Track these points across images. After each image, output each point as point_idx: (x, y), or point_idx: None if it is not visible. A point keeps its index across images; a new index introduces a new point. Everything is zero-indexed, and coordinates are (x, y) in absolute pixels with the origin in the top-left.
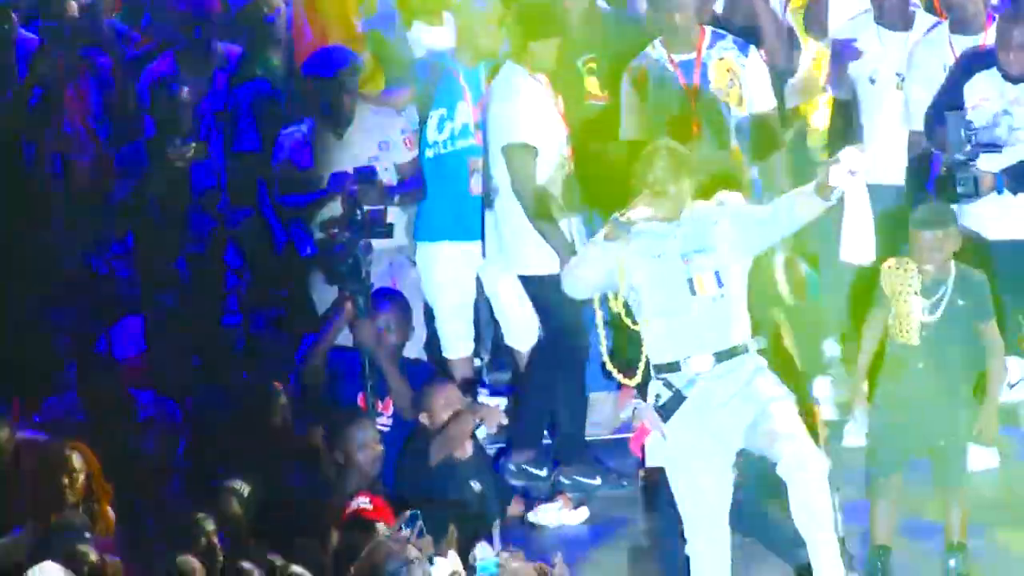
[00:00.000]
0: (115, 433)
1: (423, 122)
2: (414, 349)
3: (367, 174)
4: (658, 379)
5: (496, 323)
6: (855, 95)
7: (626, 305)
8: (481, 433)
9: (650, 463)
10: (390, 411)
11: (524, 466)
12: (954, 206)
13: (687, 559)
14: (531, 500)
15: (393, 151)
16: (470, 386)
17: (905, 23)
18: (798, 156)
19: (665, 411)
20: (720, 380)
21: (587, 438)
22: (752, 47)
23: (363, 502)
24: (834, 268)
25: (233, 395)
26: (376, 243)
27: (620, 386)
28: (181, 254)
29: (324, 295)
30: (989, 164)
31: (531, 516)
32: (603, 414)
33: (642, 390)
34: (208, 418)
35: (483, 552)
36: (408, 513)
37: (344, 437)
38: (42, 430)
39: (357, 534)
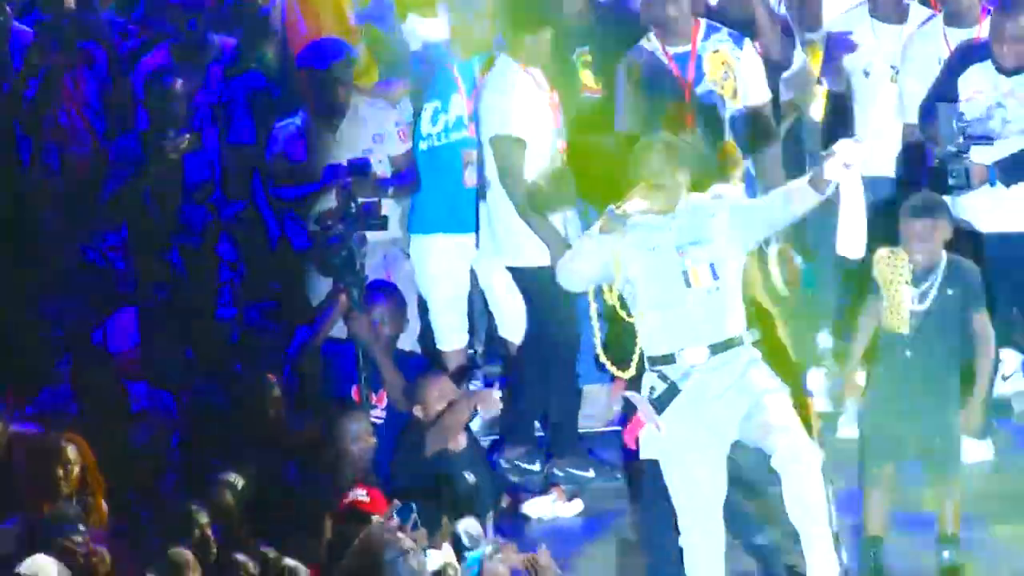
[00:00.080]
0: (108, 426)
1: (417, 114)
2: (408, 341)
3: (361, 166)
4: (653, 371)
5: (490, 315)
6: (849, 88)
7: (621, 298)
8: (475, 425)
9: (644, 455)
10: (384, 403)
11: (517, 462)
12: (947, 198)
13: (680, 551)
14: (525, 493)
15: (387, 143)
16: (464, 378)
17: (900, 16)
18: (792, 148)
19: (660, 403)
20: (715, 372)
21: (580, 430)
22: (747, 40)
23: (360, 494)
24: (828, 260)
25: (227, 388)
26: (370, 235)
27: (614, 378)
28: (174, 246)
29: (318, 288)
30: (982, 156)
31: (525, 509)
32: (597, 406)
33: (636, 382)
34: (202, 411)
35: (468, 526)
36: (398, 503)
37: (338, 429)
38: (35, 422)
39: (353, 526)
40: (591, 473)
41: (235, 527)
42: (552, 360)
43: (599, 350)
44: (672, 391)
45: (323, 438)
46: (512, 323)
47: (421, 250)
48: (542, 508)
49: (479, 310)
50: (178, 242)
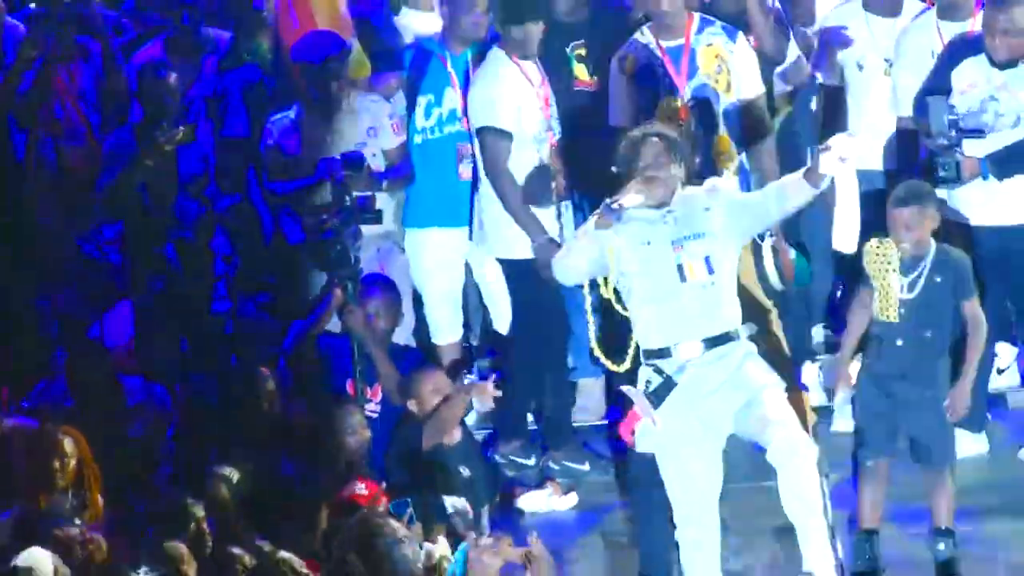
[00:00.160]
0: (104, 419)
1: (411, 108)
2: (403, 335)
3: (355, 160)
4: (648, 365)
5: (485, 308)
6: (843, 81)
7: (616, 291)
8: (470, 419)
9: (640, 449)
10: (379, 397)
11: (512, 456)
12: (941, 191)
13: (676, 544)
14: (520, 487)
15: (381, 137)
16: (459, 372)
17: (893, 9)
18: (786, 142)
19: (656, 397)
20: (710, 366)
21: (575, 424)
22: (740, 33)
23: (359, 488)
24: (822, 254)
25: (222, 381)
26: (365, 229)
27: (608, 372)
28: (169, 240)
29: (313, 281)
30: (974, 149)
31: (520, 502)
32: (591, 400)
33: (631, 376)
34: (197, 405)
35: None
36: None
37: (332, 423)
38: (31, 416)
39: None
40: (586, 466)
41: (231, 521)
42: (542, 353)
43: (594, 344)
44: (668, 385)
45: (318, 431)
46: (506, 316)
47: (416, 244)
48: (537, 502)
49: (474, 304)
50: (172, 236)
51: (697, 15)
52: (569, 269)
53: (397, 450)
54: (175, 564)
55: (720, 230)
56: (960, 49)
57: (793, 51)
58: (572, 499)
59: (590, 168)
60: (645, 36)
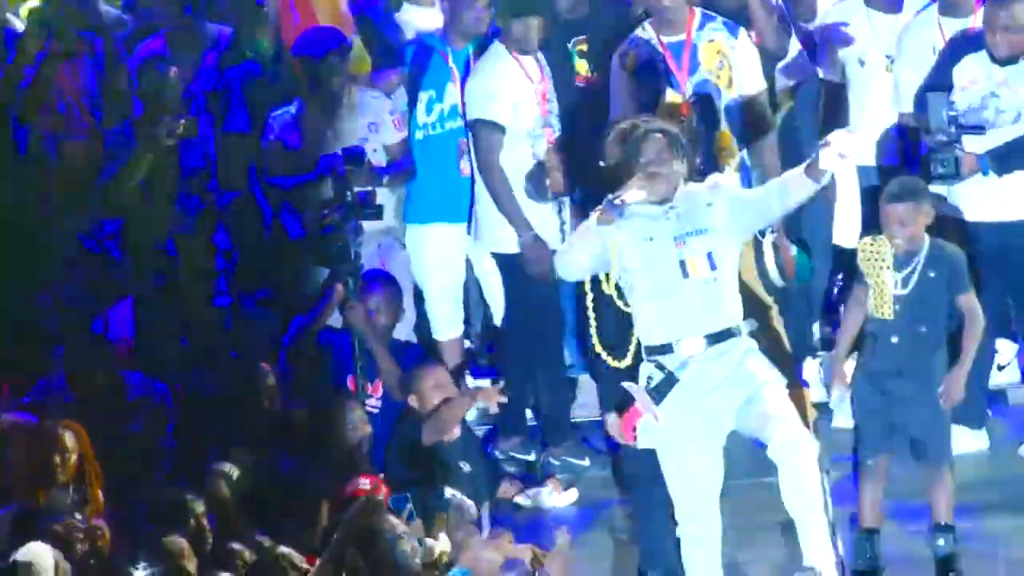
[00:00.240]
0: (104, 415)
1: (412, 104)
2: (404, 331)
3: (356, 155)
4: (650, 361)
5: (486, 304)
6: (845, 77)
7: (618, 287)
8: (470, 415)
9: (642, 445)
10: (380, 393)
11: (512, 452)
12: (941, 188)
13: (677, 541)
14: (520, 482)
15: (382, 132)
16: (460, 368)
17: (895, 5)
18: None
19: (657, 393)
20: (712, 363)
21: (575, 420)
22: (742, 29)
23: (363, 483)
24: (823, 249)
25: (222, 377)
26: (366, 225)
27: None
28: (170, 235)
29: (314, 277)
30: (974, 146)
31: (520, 498)
32: (591, 396)
33: (632, 372)
34: (197, 400)
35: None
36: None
37: (333, 419)
38: (30, 411)
39: None
40: (586, 461)
41: (231, 516)
42: (536, 348)
43: (595, 339)
44: (670, 381)
45: (319, 427)
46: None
47: (417, 239)
48: (538, 497)
49: (475, 299)
50: (173, 231)
51: (699, 11)
52: (571, 265)
53: (398, 446)
54: (175, 559)
55: (722, 226)
56: (961, 45)
57: (794, 46)
58: (572, 495)
59: (591, 164)
60: (646, 32)
